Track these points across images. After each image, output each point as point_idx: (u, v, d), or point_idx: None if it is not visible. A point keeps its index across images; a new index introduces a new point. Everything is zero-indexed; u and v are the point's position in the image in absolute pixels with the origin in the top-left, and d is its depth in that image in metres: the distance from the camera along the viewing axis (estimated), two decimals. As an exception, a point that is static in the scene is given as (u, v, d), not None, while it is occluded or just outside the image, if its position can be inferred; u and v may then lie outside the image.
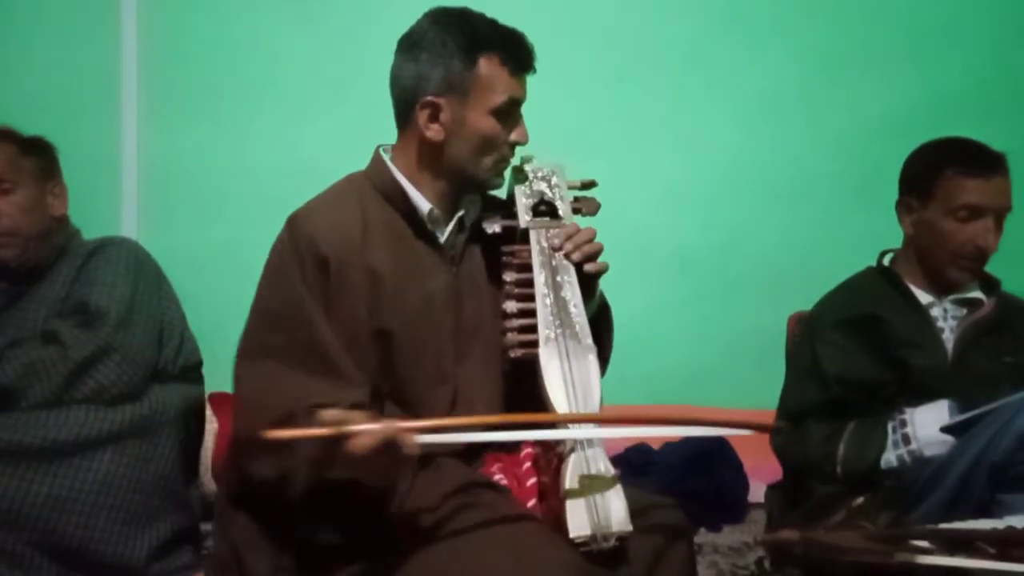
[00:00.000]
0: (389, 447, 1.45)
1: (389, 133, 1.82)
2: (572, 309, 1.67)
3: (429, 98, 1.70)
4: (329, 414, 1.45)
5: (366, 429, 1.44)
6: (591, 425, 1.56)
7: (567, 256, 1.71)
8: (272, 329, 1.67)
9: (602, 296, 1.84)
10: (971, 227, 2.08)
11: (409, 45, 1.74)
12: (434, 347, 1.71)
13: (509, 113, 1.73)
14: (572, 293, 1.68)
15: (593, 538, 1.45)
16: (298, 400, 1.56)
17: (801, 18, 3.40)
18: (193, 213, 3.20)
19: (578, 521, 1.46)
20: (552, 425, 1.55)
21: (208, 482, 2.54)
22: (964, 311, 2.16)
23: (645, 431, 1.64)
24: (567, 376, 1.59)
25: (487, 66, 1.70)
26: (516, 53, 1.72)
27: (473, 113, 1.70)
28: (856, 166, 3.35)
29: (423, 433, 1.50)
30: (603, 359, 1.81)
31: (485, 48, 1.70)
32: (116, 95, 3.17)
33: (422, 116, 1.71)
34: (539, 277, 1.69)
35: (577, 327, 1.65)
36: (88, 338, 2.01)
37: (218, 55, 3.21)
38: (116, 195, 3.16)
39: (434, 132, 1.71)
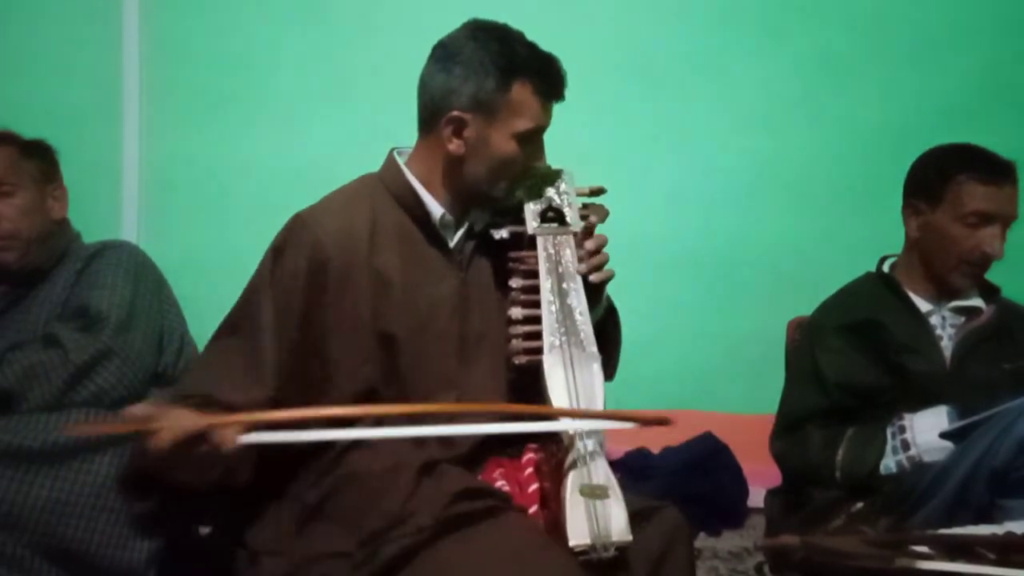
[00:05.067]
0: (198, 442, 1.43)
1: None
2: (578, 317, 1.66)
3: (456, 113, 1.71)
4: (132, 410, 1.45)
5: (168, 425, 1.42)
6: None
7: (581, 272, 1.70)
8: (234, 309, 1.73)
9: (609, 300, 1.84)
10: (979, 233, 2.08)
11: (444, 55, 1.74)
12: (439, 352, 1.72)
13: (532, 139, 1.73)
14: (578, 300, 1.68)
15: (593, 547, 1.44)
16: (208, 383, 1.64)
17: (802, 23, 3.40)
18: (193, 217, 3.19)
19: (578, 530, 1.45)
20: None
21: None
22: (963, 318, 2.16)
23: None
24: (570, 384, 1.59)
25: (520, 91, 1.70)
26: (550, 82, 1.72)
27: (497, 134, 1.71)
28: (857, 171, 3.35)
29: (248, 430, 1.45)
30: (611, 363, 1.83)
31: (521, 73, 1.70)
32: (117, 98, 3.17)
33: (447, 130, 1.72)
34: (545, 284, 1.69)
35: (582, 335, 1.65)
36: (88, 342, 2.00)
37: (219, 59, 3.20)
38: (116, 198, 3.16)
39: (456, 147, 1.72)
